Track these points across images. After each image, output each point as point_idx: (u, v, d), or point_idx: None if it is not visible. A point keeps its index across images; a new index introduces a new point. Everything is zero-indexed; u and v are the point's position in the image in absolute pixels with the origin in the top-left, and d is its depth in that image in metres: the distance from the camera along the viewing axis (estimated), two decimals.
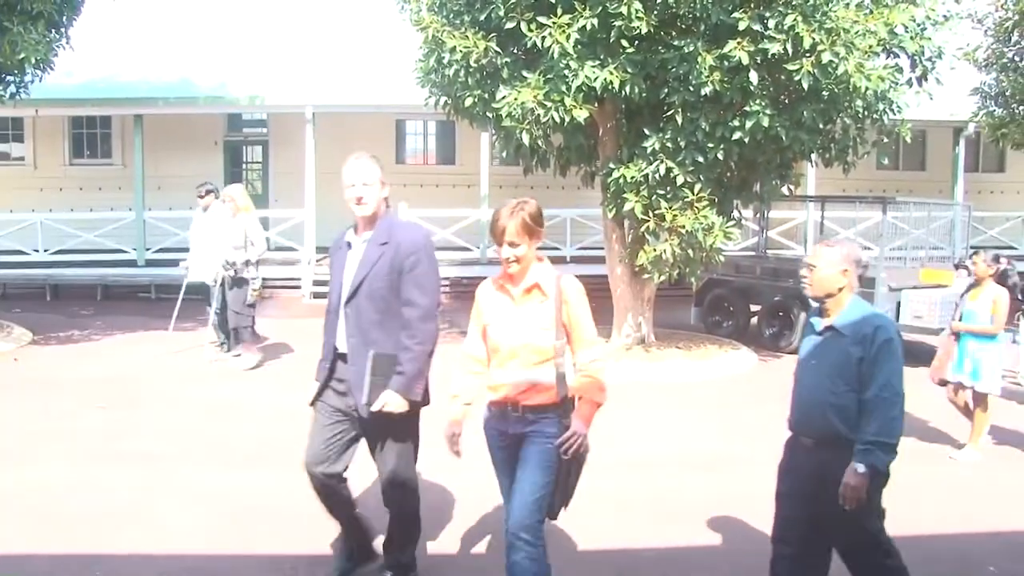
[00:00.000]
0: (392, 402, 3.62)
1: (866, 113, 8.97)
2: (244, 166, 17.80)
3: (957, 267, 9.93)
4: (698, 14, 7.96)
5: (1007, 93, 12.14)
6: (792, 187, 10.30)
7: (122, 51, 15.54)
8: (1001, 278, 6.54)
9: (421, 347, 3.66)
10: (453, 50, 8.55)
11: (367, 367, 3.63)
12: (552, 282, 3.34)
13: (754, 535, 4.45)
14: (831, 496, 3.21)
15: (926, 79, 9.01)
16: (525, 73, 8.41)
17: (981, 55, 12.29)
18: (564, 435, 3.24)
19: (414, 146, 17.87)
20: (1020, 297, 7.80)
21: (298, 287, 14.63)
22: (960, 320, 6.39)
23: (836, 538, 3.39)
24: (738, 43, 7.83)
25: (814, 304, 3.57)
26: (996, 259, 6.49)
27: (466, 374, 3.53)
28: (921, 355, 8.08)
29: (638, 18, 7.82)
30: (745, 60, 7.80)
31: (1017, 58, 12.15)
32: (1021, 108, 12.28)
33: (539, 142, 8.94)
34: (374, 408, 3.60)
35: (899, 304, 9.73)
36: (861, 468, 3.16)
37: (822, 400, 3.32)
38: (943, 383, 6.44)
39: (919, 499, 5.33)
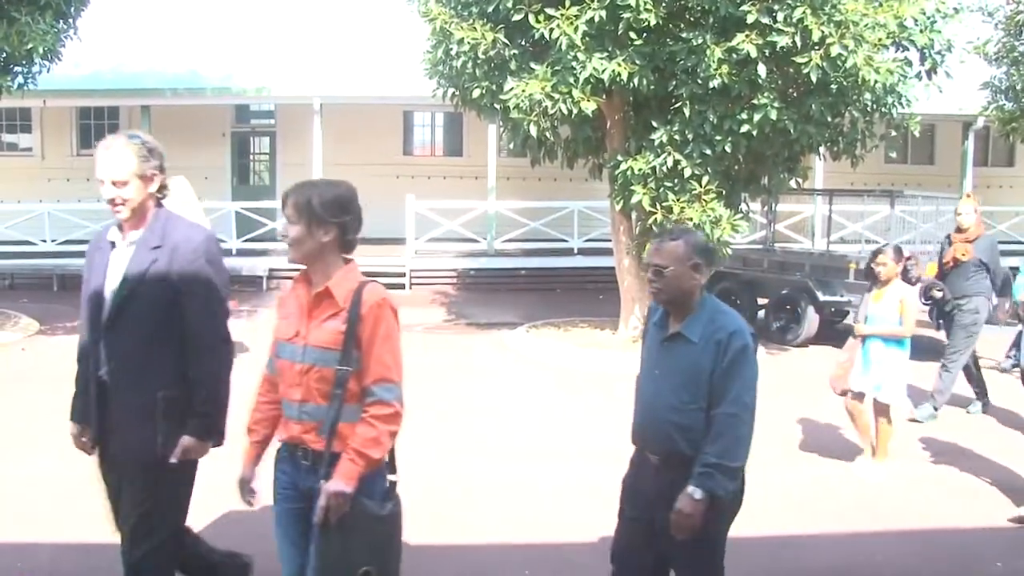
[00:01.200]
0: (195, 449, 3.01)
1: (875, 106, 8.92)
2: (251, 157, 17.82)
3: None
4: (707, 6, 7.95)
5: (1017, 87, 12.07)
6: (800, 180, 10.27)
7: (129, 42, 15.54)
8: (903, 275, 5.80)
9: (216, 378, 3.05)
10: (461, 41, 8.54)
11: (158, 411, 2.95)
12: (350, 290, 2.60)
13: (758, 529, 4.45)
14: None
15: (935, 72, 8.95)
16: (533, 65, 8.41)
17: (991, 49, 12.21)
18: (320, 500, 2.52)
19: (422, 138, 17.90)
20: (923, 300, 6.94)
21: None
22: (865, 323, 5.73)
23: (678, 568, 3.02)
24: (746, 36, 7.81)
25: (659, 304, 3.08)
26: (899, 254, 5.79)
27: (263, 403, 2.87)
28: (930, 350, 8.06)
29: (646, 10, 7.81)
30: (753, 53, 7.78)
31: None
32: None
33: (547, 134, 8.93)
34: (173, 459, 2.95)
35: None
36: (698, 494, 2.76)
37: (663, 417, 2.91)
38: (845, 393, 5.76)
39: (919, 495, 5.33)
